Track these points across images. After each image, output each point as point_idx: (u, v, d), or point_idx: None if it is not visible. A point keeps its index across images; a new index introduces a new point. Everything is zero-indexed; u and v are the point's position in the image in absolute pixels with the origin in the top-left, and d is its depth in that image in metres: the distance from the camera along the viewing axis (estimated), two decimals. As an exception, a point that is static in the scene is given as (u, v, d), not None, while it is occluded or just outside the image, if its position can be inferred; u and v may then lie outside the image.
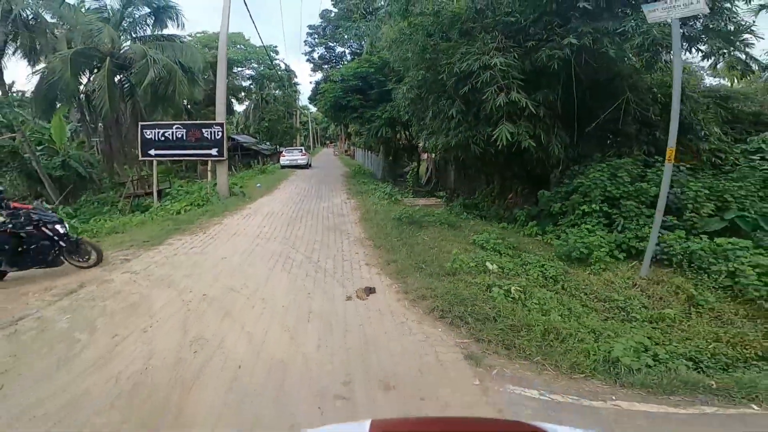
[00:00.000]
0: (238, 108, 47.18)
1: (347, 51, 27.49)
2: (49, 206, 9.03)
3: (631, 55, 7.39)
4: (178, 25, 19.43)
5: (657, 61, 7.45)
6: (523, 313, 4.06)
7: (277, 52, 31.69)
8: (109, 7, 18.20)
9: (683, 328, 4.30)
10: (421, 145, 15.87)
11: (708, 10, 4.82)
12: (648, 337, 3.83)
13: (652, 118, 8.24)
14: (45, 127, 23.99)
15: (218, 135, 11.41)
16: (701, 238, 5.75)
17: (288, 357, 3.33)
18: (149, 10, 18.86)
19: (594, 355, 3.36)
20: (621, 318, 4.53)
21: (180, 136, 11.48)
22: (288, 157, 25.85)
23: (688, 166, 7.63)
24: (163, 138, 11.49)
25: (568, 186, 7.54)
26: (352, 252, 6.34)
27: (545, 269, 5.46)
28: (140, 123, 12.33)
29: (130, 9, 18.55)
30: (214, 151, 11.22)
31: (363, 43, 20.12)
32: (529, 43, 7.28)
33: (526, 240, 7.07)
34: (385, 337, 3.67)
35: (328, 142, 77.44)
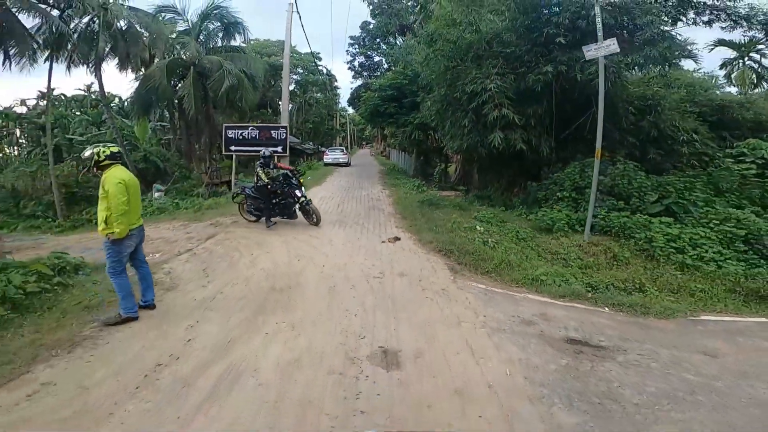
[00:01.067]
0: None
1: (384, 60, 30.21)
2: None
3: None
4: (244, 39, 22.84)
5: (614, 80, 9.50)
6: (492, 253, 6.58)
7: (320, 59, 34.84)
8: (189, 20, 21.48)
9: (598, 271, 6.62)
10: (445, 147, 18.27)
11: (618, 50, 6.97)
12: (570, 273, 6.22)
13: (624, 125, 10.41)
14: (129, 125, 28.25)
15: (282, 135, 14.40)
16: (637, 217, 7.97)
17: (348, 263, 6.03)
18: (221, 25, 22.18)
19: (527, 275, 5.83)
20: (561, 264, 6.89)
21: (254, 135, 14.56)
22: (331, 155, 28.97)
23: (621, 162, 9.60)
24: (240, 137, 14.61)
25: (551, 179, 9.87)
26: (385, 220, 9.05)
27: (519, 233, 7.89)
28: (224, 125, 15.51)
29: (206, 23, 21.90)
30: (279, 148, 14.18)
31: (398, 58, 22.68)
32: (521, 69, 9.67)
33: (515, 218, 9.45)
34: (404, 257, 6.33)
35: (364, 142, 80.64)
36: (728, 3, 9.52)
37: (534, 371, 3.35)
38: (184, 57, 19.89)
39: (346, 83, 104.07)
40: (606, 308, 5.02)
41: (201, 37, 21.90)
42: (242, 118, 22.43)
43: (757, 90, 20.30)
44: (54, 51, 17.30)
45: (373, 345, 3.69)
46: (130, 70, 21.49)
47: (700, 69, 20.27)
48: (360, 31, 32.68)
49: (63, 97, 35.17)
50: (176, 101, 20.18)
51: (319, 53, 34.52)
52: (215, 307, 4.51)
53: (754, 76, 20.59)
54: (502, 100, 9.27)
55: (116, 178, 3.94)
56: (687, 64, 18.69)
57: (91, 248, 6.95)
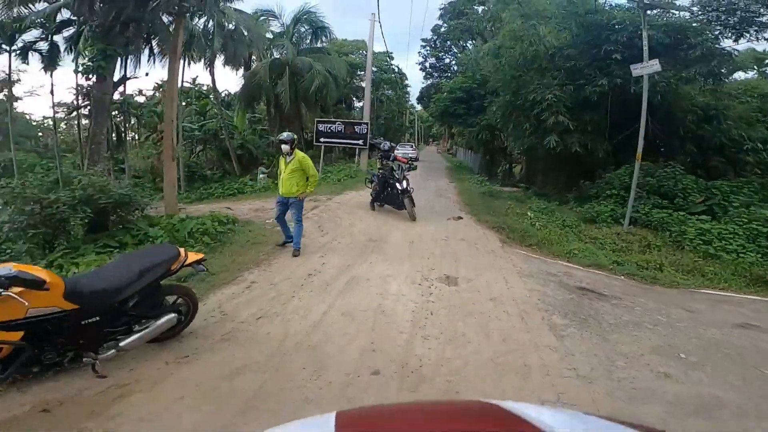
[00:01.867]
0: (357, 105, 54.28)
1: (454, 62, 31.61)
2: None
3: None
4: (328, 41, 25.58)
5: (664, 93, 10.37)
6: (536, 232, 8.16)
7: (392, 58, 36.95)
8: (284, 24, 24.56)
9: (627, 254, 7.90)
10: (508, 147, 19.47)
11: (660, 69, 8.06)
12: (602, 253, 7.62)
13: (682, 133, 11.19)
14: (229, 116, 32.46)
15: (364, 131, 16.67)
16: (678, 214, 9.01)
17: (421, 231, 7.96)
18: (310, 28, 25.06)
19: (562, 249, 7.37)
20: (596, 246, 8.25)
21: (340, 129, 17.01)
22: (401, 151, 31.05)
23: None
24: (329, 130, 17.12)
25: (603, 179, 11.02)
26: (450, 205, 10.88)
27: (565, 221, 9.32)
28: (316, 119, 18.17)
29: (297, 26, 24.88)
30: (360, 142, 16.49)
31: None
32: (581, 81, 10.91)
33: (566, 211, 10.78)
34: (464, 230, 8.18)
35: (431, 139, 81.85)
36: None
37: (546, 297, 5.05)
38: (281, 57, 22.93)
39: (414, 81, 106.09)
40: (621, 276, 6.47)
41: (293, 39, 24.94)
42: (325, 112, 25.21)
43: None
44: (186, 50, 21.02)
45: (440, 273, 5.61)
46: (230, 67, 25.13)
47: None
48: (432, 33, 34.32)
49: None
50: (274, 96, 23.29)
51: (391, 53, 36.50)
52: (333, 248, 6.69)
53: None
54: (560, 108, 10.62)
55: (306, 156, 6.11)
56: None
57: (231, 209, 9.57)
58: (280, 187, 6.23)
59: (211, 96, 31.89)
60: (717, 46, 9.87)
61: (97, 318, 2.76)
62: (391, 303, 4.62)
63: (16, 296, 2.33)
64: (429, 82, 36.69)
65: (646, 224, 9.08)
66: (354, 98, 48.45)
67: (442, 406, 1.15)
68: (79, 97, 23.07)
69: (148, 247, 5.58)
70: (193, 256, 3.42)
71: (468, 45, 28.79)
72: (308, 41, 25.46)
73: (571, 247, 7.42)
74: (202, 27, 22.78)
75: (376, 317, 4.23)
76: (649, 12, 10.12)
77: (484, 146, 22.89)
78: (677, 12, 11.23)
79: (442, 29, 32.53)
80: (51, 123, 29.88)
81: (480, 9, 26.71)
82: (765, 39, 10.14)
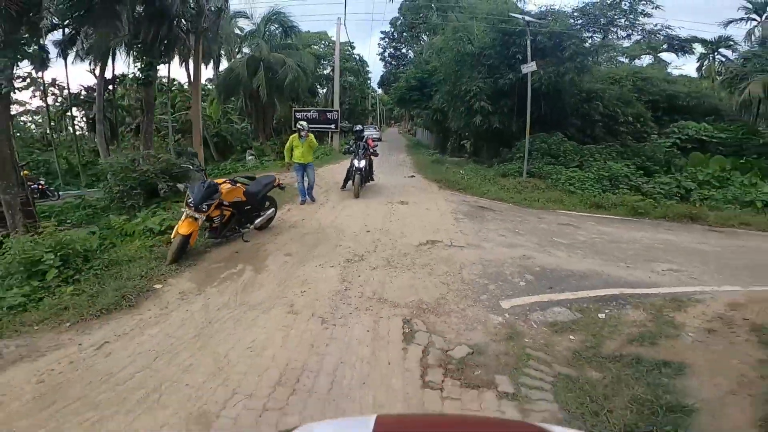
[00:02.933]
0: (321, 91, 57.03)
1: (411, 53, 35.22)
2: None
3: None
4: (297, 38, 28.56)
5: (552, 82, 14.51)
6: (463, 182, 12.22)
7: (354, 47, 40.13)
8: (255, 23, 27.30)
9: (520, 193, 12.04)
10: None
11: (535, 68, 12.17)
12: (505, 192, 11.74)
13: (569, 111, 15.50)
14: (203, 107, 34.73)
15: (335, 117, 20.17)
16: (559, 168, 13.29)
17: (388, 184, 11.80)
18: (281, 28, 27.94)
19: (478, 190, 11.44)
20: (503, 189, 12.35)
21: (315, 116, 20.42)
22: (366, 132, 34.64)
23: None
24: (305, 117, 20.43)
25: (516, 147, 15.21)
26: (406, 169, 14.84)
27: (485, 176, 13.42)
28: (294, 108, 21.46)
29: (268, 25, 27.70)
30: (332, 126, 19.97)
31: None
32: (497, 75, 14.93)
33: (488, 170, 14.91)
34: (415, 182, 12.20)
35: (392, 121, 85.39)
36: (636, 22, 14.43)
37: (457, 209, 9.07)
38: (255, 54, 25.76)
39: (375, 66, 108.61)
40: (510, 203, 10.60)
41: (264, 37, 27.74)
42: (296, 102, 28.34)
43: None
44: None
45: (398, 199, 9.52)
46: (204, 64, 27.74)
47: (684, 64, 24.75)
48: (390, 27, 37.68)
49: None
50: (250, 90, 26.18)
51: (353, 42, 39.41)
52: (332, 193, 10.41)
53: (720, 68, 24.51)
54: (482, 96, 14.65)
55: (313, 137, 9.65)
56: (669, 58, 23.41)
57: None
58: (298, 157, 9.72)
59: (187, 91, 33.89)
60: (584, 45, 14.11)
61: (249, 207, 6.38)
62: (372, 211, 8.48)
63: (231, 189, 5.94)
64: (389, 69, 40.17)
65: (539, 175, 13.30)
66: (317, 86, 51.23)
67: (485, 423, 1.16)
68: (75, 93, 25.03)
69: (263, 175, 8.77)
70: (279, 182, 7.07)
71: (423, 37, 32.40)
72: (279, 39, 28.28)
73: (484, 189, 11.53)
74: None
75: (364, 217, 8.06)
76: (541, 20, 14.23)
77: (436, 126, 26.83)
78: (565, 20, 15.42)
79: (399, 22, 35.92)
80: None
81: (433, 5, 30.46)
82: (624, 36, 14.48)
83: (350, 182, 10.29)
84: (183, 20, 10.88)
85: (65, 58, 20.87)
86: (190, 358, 3.33)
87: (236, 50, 31.08)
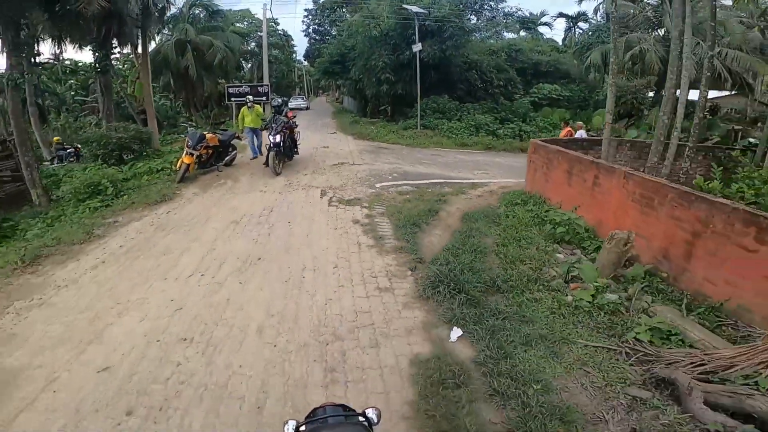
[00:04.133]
0: (246, 66, 57.47)
1: (333, 30, 37.82)
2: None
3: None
4: (222, 18, 30.13)
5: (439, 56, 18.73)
6: (372, 134, 16.18)
7: (278, 23, 41.77)
8: (179, 8, 28.49)
9: (415, 140, 16.27)
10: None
11: (421, 48, 16.22)
12: (402, 140, 15.87)
13: (455, 77, 19.86)
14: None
15: (266, 90, 22.89)
16: (445, 121, 17.67)
17: (316, 137, 15.42)
18: (206, 12, 29.36)
19: (382, 139, 15.43)
20: (401, 137, 16.45)
21: (247, 90, 22.97)
22: (294, 102, 37.21)
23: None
24: (237, 92, 22.93)
25: (414, 107, 19.36)
26: (329, 129, 18.48)
27: (391, 130, 17.45)
28: (226, 85, 23.71)
29: (192, 9, 29.02)
30: (264, 98, 22.75)
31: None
32: (399, 52, 18.76)
33: (396, 126, 18.98)
34: (336, 137, 15.96)
35: (320, 91, 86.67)
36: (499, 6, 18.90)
37: (363, 150, 13.04)
38: (182, 37, 27.14)
39: (300, 39, 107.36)
40: (403, 146, 14.76)
41: (189, 20, 29.00)
42: (226, 79, 30.23)
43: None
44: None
45: (322, 144, 13.27)
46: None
47: (552, 35, 30.32)
48: (313, 5, 39.77)
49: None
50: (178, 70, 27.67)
51: (277, 18, 40.95)
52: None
53: (578, 38, 30.50)
54: (387, 69, 18.48)
55: (259, 107, 12.88)
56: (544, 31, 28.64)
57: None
58: (249, 123, 12.67)
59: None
60: (461, 28, 18.34)
61: (221, 149, 9.76)
62: (311, 147, 12.14)
63: (212, 137, 9.30)
64: (312, 44, 42.46)
65: (429, 127, 17.57)
66: (242, 61, 51.76)
67: None
68: None
69: (229, 130, 11.76)
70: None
71: (344, 12, 35.13)
72: (204, 21, 29.59)
73: (387, 137, 15.61)
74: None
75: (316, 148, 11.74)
76: (426, 9, 18.15)
77: (357, 94, 30.30)
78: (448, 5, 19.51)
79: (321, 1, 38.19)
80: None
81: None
82: (489, 17, 18.88)
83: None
84: (132, 18, 13.24)
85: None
86: (215, 209, 6.97)
87: (157, 33, 31.73)
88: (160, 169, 9.85)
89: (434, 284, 4.07)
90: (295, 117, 11.21)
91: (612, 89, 7.21)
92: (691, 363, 2.99)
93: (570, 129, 11.60)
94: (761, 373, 2.80)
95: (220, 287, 4.26)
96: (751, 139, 9.52)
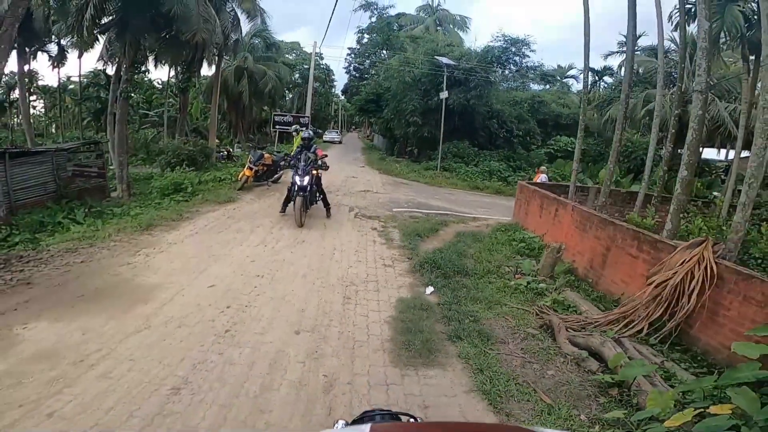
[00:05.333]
0: (288, 96, 62.30)
1: (372, 69, 41.47)
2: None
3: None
4: (276, 51, 33.98)
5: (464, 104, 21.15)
6: (397, 170, 18.42)
7: (322, 57, 45.87)
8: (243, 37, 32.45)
9: (435, 179, 18.35)
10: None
11: (447, 95, 18.62)
12: (422, 178, 18.02)
13: (478, 125, 22.13)
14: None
15: (307, 121, 25.80)
16: (464, 166, 19.77)
17: (347, 170, 17.73)
18: (263, 42, 33.24)
19: (401, 175, 17.62)
20: (421, 176, 18.59)
21: (290, 120, 25.94)
22: (328, 135, 40.54)
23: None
24: (282, 121, 25.92)
25: (436, 150, 21.63)
26: (359, 163, 20.85)
27: (414, 169, 19.67)
28: (273, 113, 26.83)
29: (252, 39, 32.93)
30: (304, 128, 25.64)
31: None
32: (427, 97, 21.29)
33: (418, 166, 21.19)
34: (364, 171, 18.21)
35: (353, 127, 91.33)
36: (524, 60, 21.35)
37: (386, 182, 15.24)
38: (241, 64, 30.89)
39: (340, 73, 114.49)
40: (423, 183, 16.87)
41: (248, 49, 32.90)
42: (272, 106, 33.70)
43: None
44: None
45: (351, 175, 15.50)
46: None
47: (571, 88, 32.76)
48: (356, 44, 43.83)
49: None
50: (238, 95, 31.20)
51: (321, 53, 45.01)
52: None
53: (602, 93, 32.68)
54: (416, 112, 20.97)
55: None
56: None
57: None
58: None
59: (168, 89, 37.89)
60: (486, 79, 20.74)
61: (273, 168, 12.07)
62: (343, 176, 14.37)
63: (269, 156, 11.64)
64: (351, 80, 46.34)
65: (449, 169, 19.67)
66: (286, 90, 56.32)
67: (479, 428, 1.19)
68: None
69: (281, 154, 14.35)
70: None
71: (383, 53, 38.79)
72: (260, 51, 33.47)
73: (408, 175, 17.81)
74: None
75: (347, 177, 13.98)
76: (455, 61, 20.71)
77: (387, 133, 33.11)
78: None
79: (365, 40, 42.20)
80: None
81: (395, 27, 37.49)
82: (513, 70, 21.30)
83: (291, 204, 8.13)
84: (214, 45, 16.23)
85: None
86: (271, 210, 9.09)
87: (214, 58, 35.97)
88: (222, 178, 12.21)
89: (422, 265, 5.98)
90: (326, 156, 9.30)
91: (615, 145, 9.03)
92: (574, 320, 4.74)
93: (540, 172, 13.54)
94: (611, 329, 4.51)
95: (278, 254, 6.28)
96: (715, 193, 11.09)
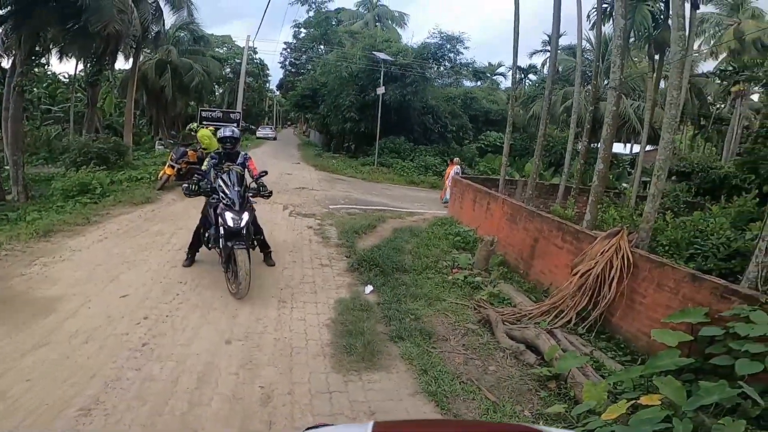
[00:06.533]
0: (219, 91, 58.83)
1: (309, 65, 40.43)
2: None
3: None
4: (204, 44, 31.85)
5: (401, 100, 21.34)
6: (332, 166, 18.07)
7: (256, 52, 43.83)
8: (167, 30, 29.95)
9: (371, 174, 18.29)
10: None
11: (384, 91, 18.68)
12: (358, 174, 17.87)
13: (411, 121, 22.42)
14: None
15: (237, 117, 24.42)
16: (400, 161, 19.92)
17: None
18: (191, 36, 30.96)
19: (337, 170, 17.35)
20: (357, 172, 18.44)
21: (219, 116, 24.41)
22: (263, 131, 38.91)
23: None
24: (210, 116, 24.33)
25: (373, 146, 21.61)
26: (294, 159, 20.23)
27: (351, 165, 19.49)
28: (200, 108, 25.09)
29: (177, 32, 30.55)
30: (234, 125, 24.32)
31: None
32: (365, 92, 21.13)
33: (354, 161, 21.02)
34: (300, 167, 17.64)
35: (289, 122, 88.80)
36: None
37: (322, 178, 14.90)
38: (164, 57, 28.54)
39: (275, 67, 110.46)
40: (359, 179, 16.75)
41: (173, 42, 30.49)
42: (200, 101, 31.61)
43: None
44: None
45: (286, 172, 14.94)
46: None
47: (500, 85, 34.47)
48: (293, 39, 42.45)
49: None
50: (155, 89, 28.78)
51: (255, 48, 42.95)
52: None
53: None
54: (353, 108, 20.74)
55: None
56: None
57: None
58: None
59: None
60: (422, 75, 21.03)
61: (197, 165, 11.20)
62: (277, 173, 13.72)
63: (193, 153, 10.74)
64: (286, 75, 44.99)
65: (386, 165, 19.75)
66: (215, 85, 53.20)
67: (482, 426, 1.19)
68: None
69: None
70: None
71: (321, 48, 37.86)
72: (187, 44, 31.07)
73: (345, 170, 17.57)
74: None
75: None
76: (392, 57, 20.77)
77: (324, 129, 32.53)
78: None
79: (302, 35, 40.96)
80: None
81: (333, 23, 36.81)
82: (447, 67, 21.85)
83: (197, 254, 5.47)
84: (131, 38, 14.73)
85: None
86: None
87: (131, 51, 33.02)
88: (139, 178, 11.11)
89: (360, 263, 5.82)
90: (264, 174, 5.32)
91: (540, 140, 9.26)
92: (510, 313, 4.86)
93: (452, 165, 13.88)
94: (543, 320, 4.68)
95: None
96: (624, 184, 12.20)
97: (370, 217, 9.27)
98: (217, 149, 5.84)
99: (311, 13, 39.64)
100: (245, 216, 4.65)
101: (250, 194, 5.02)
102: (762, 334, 2.51)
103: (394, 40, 26.76)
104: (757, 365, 2.40)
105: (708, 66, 24.05)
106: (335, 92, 22.54)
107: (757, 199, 7.00)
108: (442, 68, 24.05)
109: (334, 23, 38.17)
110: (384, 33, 31.74)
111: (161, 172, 10.32)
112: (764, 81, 9.79)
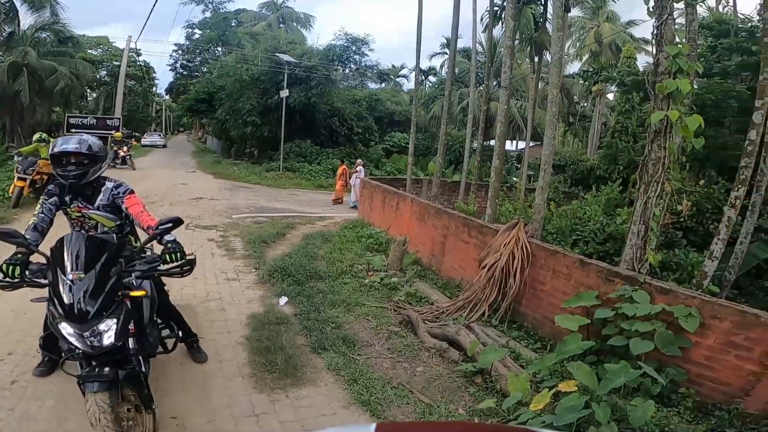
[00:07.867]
0: (92, 95, 51.52)
1: (204, 67, 37.41)
2: None
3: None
4: (73, 45, 27.71)
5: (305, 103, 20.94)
6: (234, 174, 17.02)
7: (139, 54, 39.42)
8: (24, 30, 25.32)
9: (276, 181, 17.62)
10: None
11: (288, 93, 18.19)
12: (261, 180, 17.05)
13: (316, 123, 22.07)
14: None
15: (116, 123, 21.69)
16: (306, 165, 19.48)
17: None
18: (55, 37, 26.63)
19: (242, 179, 16.39)
20: (262, 179, 17.63)
21: (93, 123, 21.44)
22: (149, 138, 35.12)
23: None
24: (81, 123, 21.22)
25: (278, 150, 20.84)
26: (189, 168, 18.63)
27: (254, 171, 18.51)
28: (67, 115, 21.74)
29: (37, 33, 26.09)
30: (113, 132, 21.55)
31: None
32: (267, 96, 20.21)
33: (259, 168, 20.05)
34: (197, 175, 16.28)
35: (181, 129, 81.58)
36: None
37: (223, 187, 13.94)
38: (19, 61, 24.10)
39: (164, 69, 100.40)
40: (264, 186, 15.97)
41: (31, 44, 25.89)
42: (68, 107, 27.51)
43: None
44: None
45: (180, 181, 13.64)
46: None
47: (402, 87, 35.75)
48: (185, 40, 38.88)
49: None
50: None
51: (139, 49, 38.36)
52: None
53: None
54: (254, 112, 19.73)
55: None
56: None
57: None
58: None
59: None
60: (327, 77, 20.77)
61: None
62: (169, 184, 12.39)
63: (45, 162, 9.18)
64: (177, 78, 41.25)
65: (292, 169, 19.13)
66: (88, 89, 46.63)
67: (483, 428, 1.20)
68: None
69: None
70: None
71: (218, 50, 35.19)
72: (50, 45, 26.64)
73: (248, 178, 16.66)
74: None
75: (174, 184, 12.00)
76: (296, 60, 20.20)
77: (223, 134, 30.45)
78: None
79: (196, 36, 37.71)
80: None
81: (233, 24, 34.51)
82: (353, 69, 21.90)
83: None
84: None
85: None
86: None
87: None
88: (-8, 194, 9.21)
89: (271, 273, 5.48)
90: (175, 225, 2.40)
91: (442, 138, 9.61)
92: (428, 311, 4.96)
93: (344, 167, 14.39)
94: (460, 315, 4.86)
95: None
96: (515, 178, 13.47)
97: (279, 225, 8.85)
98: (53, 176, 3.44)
99: (208, 14, 36.92)
100: (107, 325, 2.11)
101: (139, 273, 2.34)
102: (646, 313, 2.84)
103: (299, 42, 26.15)
104: (647, 344, 2.70)
105: (574, 68, 27.61)
106: (235, 96, 21.23)
107: (621, 187, 8.16)
108: (347, 70, 24.07)
109: (233, 24, 36.05)
110: (288, 35, 30.88)
111: (12, 187, 8.70)
112: (618, 81, 11.51)
